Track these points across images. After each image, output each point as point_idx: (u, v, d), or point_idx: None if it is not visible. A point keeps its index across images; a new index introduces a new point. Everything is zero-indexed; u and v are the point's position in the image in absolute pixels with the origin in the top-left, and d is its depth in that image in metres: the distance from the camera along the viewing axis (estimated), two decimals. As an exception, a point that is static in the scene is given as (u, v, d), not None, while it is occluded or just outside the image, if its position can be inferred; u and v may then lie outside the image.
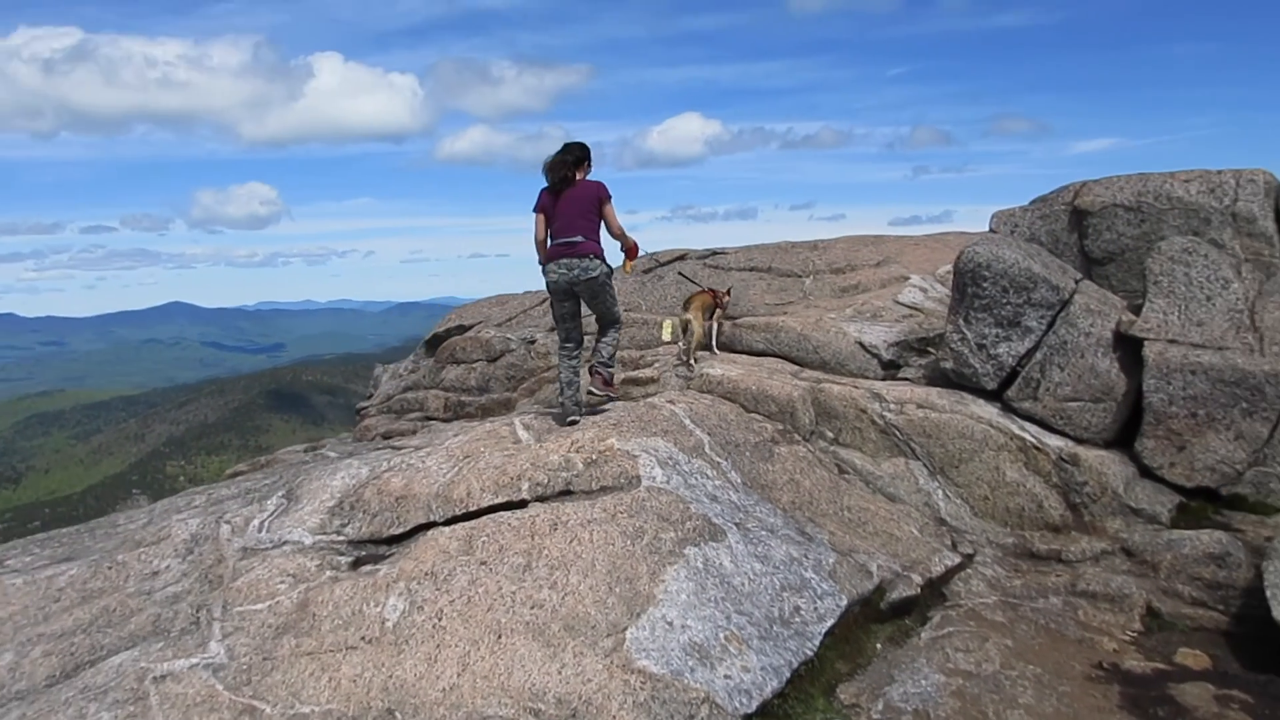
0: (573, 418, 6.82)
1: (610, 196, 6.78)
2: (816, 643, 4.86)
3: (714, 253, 12.72)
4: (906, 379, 8.41)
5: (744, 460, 6.60)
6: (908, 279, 10.62)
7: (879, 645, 5.36)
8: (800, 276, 11.41)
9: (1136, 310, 7.73)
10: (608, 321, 7.08)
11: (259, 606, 4.73)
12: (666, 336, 9.02)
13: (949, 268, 10.92)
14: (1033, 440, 7.23)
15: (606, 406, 7.14)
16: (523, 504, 5.42)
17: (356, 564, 5.14)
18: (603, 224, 6.79)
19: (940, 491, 7.14)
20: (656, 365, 8.38)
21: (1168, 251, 7.61)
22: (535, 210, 6.86)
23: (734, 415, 7.15)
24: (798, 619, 4.97)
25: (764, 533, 5.64)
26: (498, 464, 5.73)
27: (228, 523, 5.68)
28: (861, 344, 8.63)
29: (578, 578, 4.64)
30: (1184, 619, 5.83)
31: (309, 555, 5.18)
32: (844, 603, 5.25)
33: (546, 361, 9.67)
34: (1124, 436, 7.51)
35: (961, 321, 7.95)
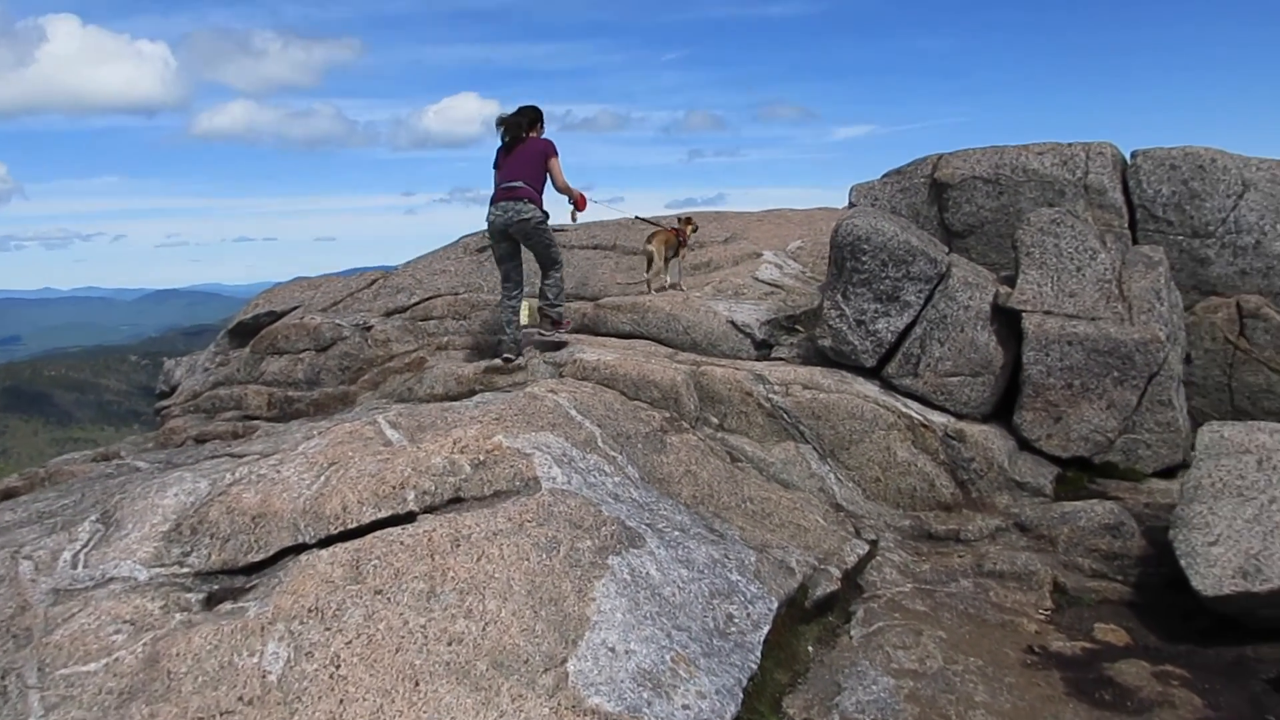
0: (507, 354, 7.63)
1: (557, 153, 7.57)
2: (758, 653, 4.46)
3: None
4: (781, 358, 8.20)
5: (637, 453, 6.12)
6: (760, 255, 10.47)
7: (810, 648, 5.04)
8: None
9: (1004, 283, 7.85)
10: (547, 263, 7.80)
11: (91, 667, 3.79)
12: (524, 319, 8.40)
13: (799, 243, 10.90)
14: (920, 418, 7.17)
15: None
16: (410, 517, 4.70)
17: (211, 601, 4.26)
18: (549, 178, 7.55)
19: (832, 475, 6.95)
20: (522, 353, 7.73)
21: (1036, 223, 7.75)
22: (494, 167, 7.62)
23: (619, 404, 6.65)
24: (734, 628, 4.56)
25: (677, 533, 5.19)
26: (373, 471, 4.96)
27: (27, 558, 4.60)
28: (734, 323, 8.34)
29: (496, 602, 4.01)
30: (1089, 592, 5.87)
31: (147, 594, 4.24)
32: (774, 605, 4.89)
33: (387, 350, 8.79)
34: (999, 410, 7.63)
35: (839, 297, 7.80)
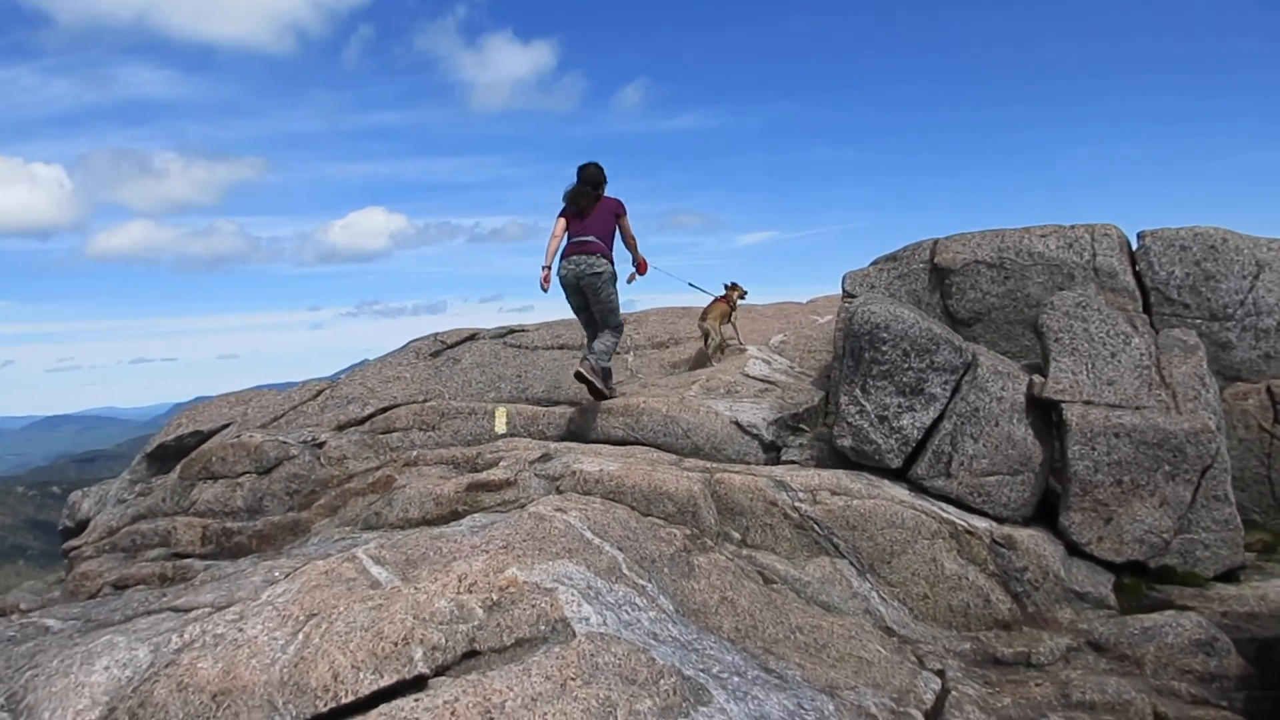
0: (588, 363, 7.73)
1: (626, 212, 8.02)
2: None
3: (511, 330, 11.33)
4: (793, 461, 7.44)
5: (666, 579, 5.22)
6: (745, 350, 9.79)
7: (916, 817, 4.14)
8: (620, 353, 10.28)
9: (1029, 371, 7.29)
10: (607, 321, 7.96)
11: None
12: (501, 428, 7.50)
13: (782, 337, 10.29)
14: (963, 524, 6.43)
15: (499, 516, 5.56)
16: (420, 682, 3.71)
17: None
18: (618, 235, 7.96)
19: (875, 594, 6.11)
20: (505, 464, 6.79)
21: (1061, 307, 7.24)
22: (560, 215, 7.89)
23: (635, 522, 5.75)
24: (839, 804, 3.65)
25: (737, 679, 4.29)
26: (365, 623, 3.96)
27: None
28: (738, 424, 7.56)
29: (556, 801, 3.05)
30: (1196, 723, 5.12)
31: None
32: (871, 766, 4.00)
33: (344, 468, 7.74)
34: (1038, 512, 6.95)
35: (859, 391, 7.11)
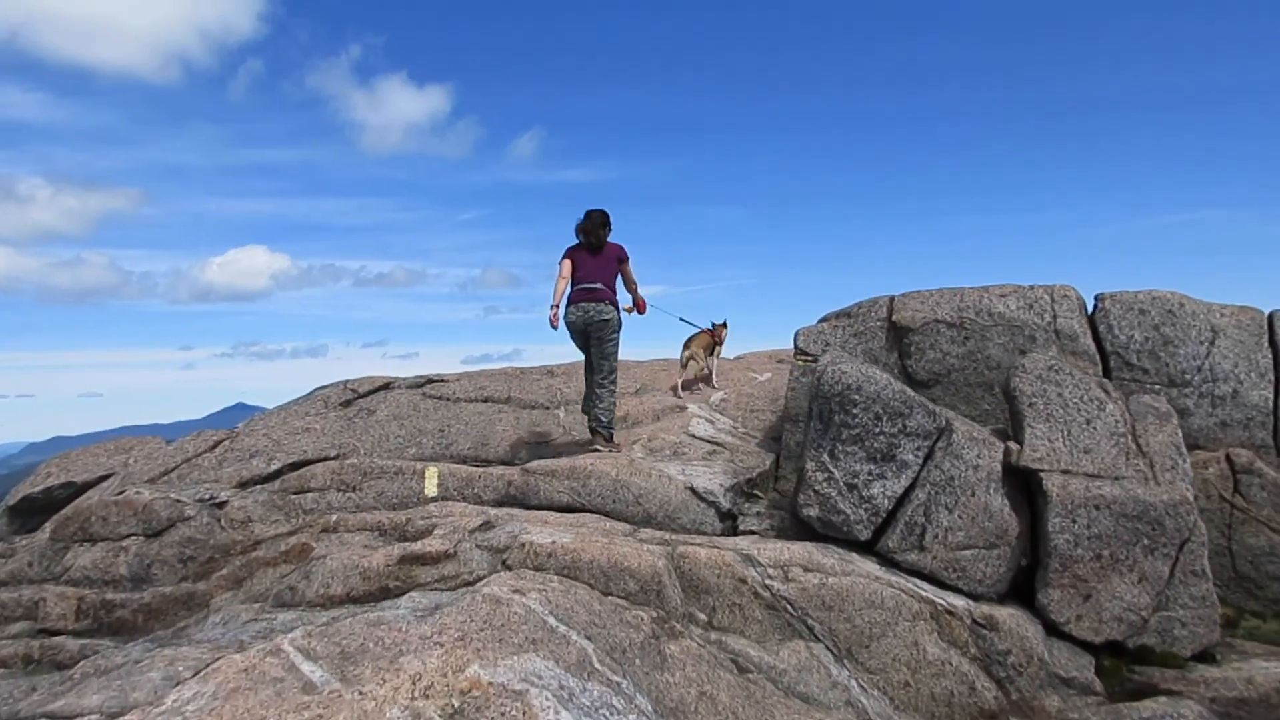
0: (595, 427, 8.21)
1: (629, 258, 8.36)
2: None
3: (430, 380, 10.58)
4: (752, 531, 6.92)
5: (639, 673, 4.59)
6: (686, 409, 9.28)
7: None
8: (550, 408, 9.66)
9: (1000, 437, 6.98)
10: (604, 366, 8.16)
11: None
12: (431, 490, 6.79)
13: (723, 395, 9.85)
14: (943, 603, 6.00)
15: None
16: (377, 824, 3.00)
17: None
18: (620, 278, 8.31)
19: (855, 683, 5.59)
20: (441, 532, 6.04)
21: (1033, 370, 6.97)
22: (564, 258, 8.21)
23: (598, 603, 5.11)
24: None
25: (738, 797, 3.70)
26: (303, 744, 3.23)
27: None
28: (694, 490, 7.00)
29: None
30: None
31: None
32: None
33: (249, 533, 6.83)
34: (1014, 588, 6.60)
35: (827, 457, 6.66)
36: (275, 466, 8.04)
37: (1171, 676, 6.10)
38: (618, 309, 8.18)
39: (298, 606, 5.44)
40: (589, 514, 6.81)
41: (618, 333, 8.17)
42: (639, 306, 8.63)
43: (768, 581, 5.86)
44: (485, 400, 9.82)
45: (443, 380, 10.50)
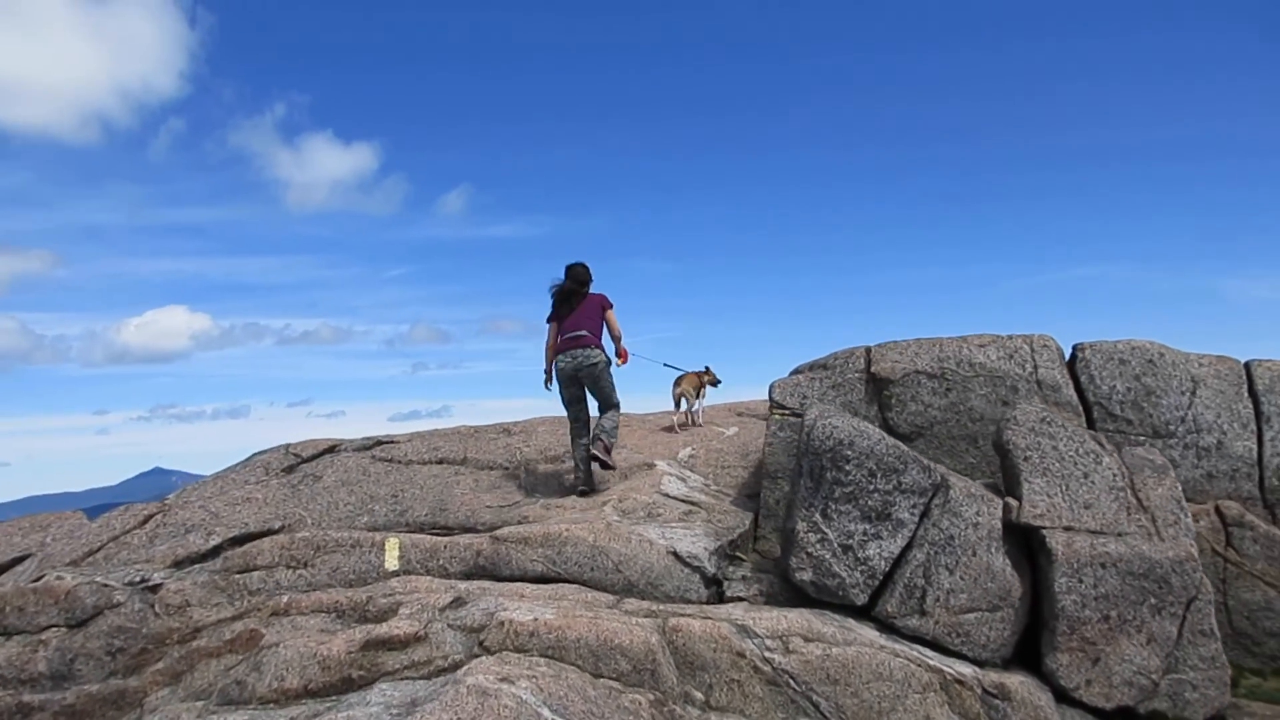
0: (583, 488, 8.34)
1: (612, 305, 8.62)
2: None
3: (379, 442, 10.01)
4: (740, 598, 6.49)
5: (645, 767, 4.12)
6: (654, 466, 8.87)
7: None
8: (509, 469, 9.17)
9: (994, 492, 6.71)
10: (607, 404, 8.52)
11: None
12: (393, 564, 6.25)
13: (690, 450, 9.47)
14: (951, 672, 5.62)
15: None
16: None
17: None
18: (605, 327, 8.52)
19: (867, 764, 5.17)
20: (407, 612, 5.48)
21: (1025, 421, 6.72)
22: (549, 320, 8.57)
23: (591, 688, 4.62)
24: None
25: None
26: None
27: None
28: (677, 554, 6.56)
29: None
30: None
31: None
32: None
33: (187, 619, 6.15)
34: (1018, 653, 6.27)
35: (819, 517, 6.30)
36: (215, 542, 7.37)
37: (1186, 743, 5.82)
38: (605, 351, 8.44)
39: (248, 704, 4.82)
40: (567, 584, 6.31)
41: (609, 371, 8.49)
42: (621, 357, 8.71)
43: (767, 654, 5.43)
44: (440, 462, 9.28)
45: (393, 441, 9.93)
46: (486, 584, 6.14)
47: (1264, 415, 7.74)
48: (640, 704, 4.67)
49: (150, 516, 8.12)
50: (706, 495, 8.25)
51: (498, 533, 6.70)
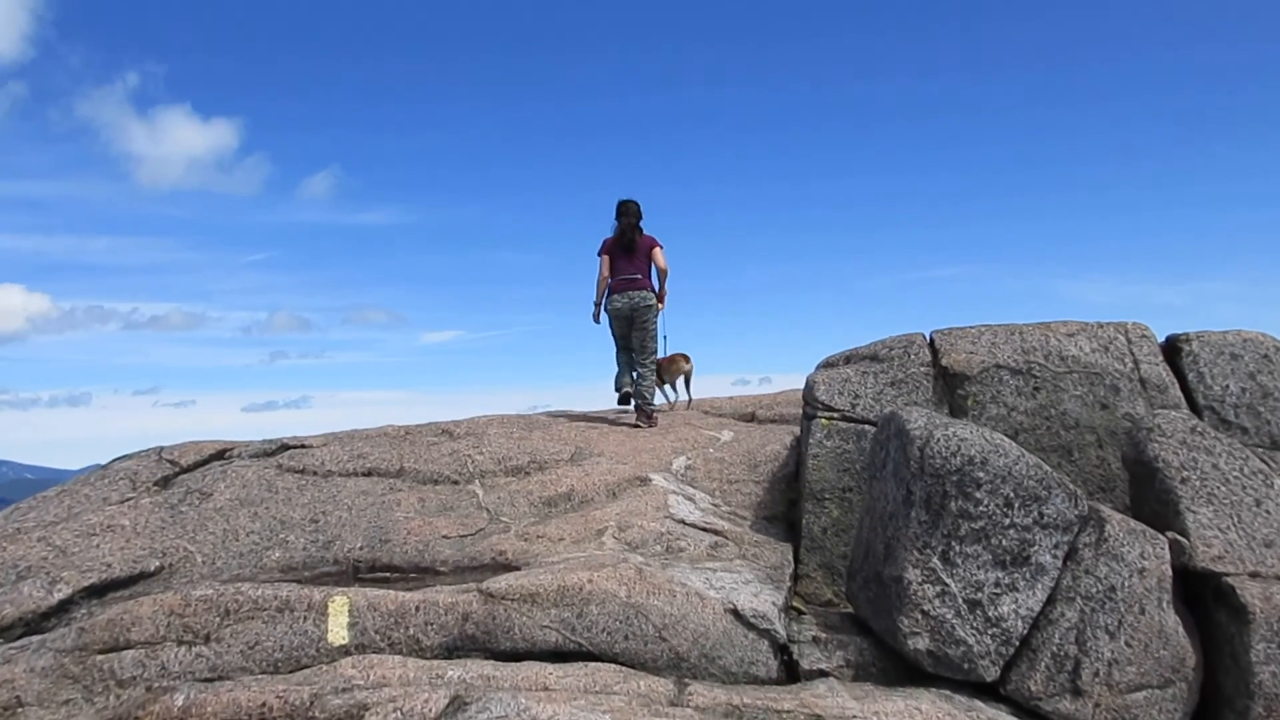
0: (627, 389, 9.30)
1: (661, 245, 9.10)
2: None
3: (285, 446, 7.95)
4: (821, 670, 4.84)
5: None
6: (649, 480, 7.12)
7: None
8: (460, 483, 7.28)
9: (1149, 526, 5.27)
10: (644, 349, 9.11)
11: None
12: (340, 636, 4.41)
13: (686, 460, 7.80)
14: (1143, 782, 4.14)
15: None
16: None
17: None
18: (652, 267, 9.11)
19: None
20: (374, 717, 3.62)
21: (1173, 433, 5.30)
22: (601, 254, 9.14)
23: None
24: None
25: None
26: None
27: None
28: (737, 613, 4.84)
29: None
30: None
31: None
32: None
33: (21, 726, 4.10)
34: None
35: (938, 561, 4.71)
36: (62, 594, 5.21)
37: None
38: (656, 296, 9.01)
39: None
40: (595, 661, 4.53)
41: (657, 316, 9.07)
42: (659, 299, 9.10)
43: (914, 774, 3.80)
44: (368, 474, 7.29)
45: (303, 446, 7.85)
46: (486, 667, 4.28)
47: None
48: None
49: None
50: (723, 519, 6.59)
51: (491, 586, 4.81)
